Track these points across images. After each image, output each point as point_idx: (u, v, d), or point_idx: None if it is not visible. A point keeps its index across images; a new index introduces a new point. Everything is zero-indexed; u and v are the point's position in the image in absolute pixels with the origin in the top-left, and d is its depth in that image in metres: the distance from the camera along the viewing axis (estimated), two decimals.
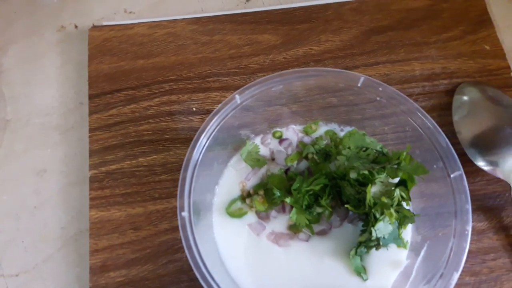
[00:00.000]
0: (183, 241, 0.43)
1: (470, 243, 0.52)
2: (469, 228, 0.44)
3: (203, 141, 0.46)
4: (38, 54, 0.64)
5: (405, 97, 0.49)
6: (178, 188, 0.43)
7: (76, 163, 0.58)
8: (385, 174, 0.47)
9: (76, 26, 0.66)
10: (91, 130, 0.58)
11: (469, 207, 0.44)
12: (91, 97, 0.60)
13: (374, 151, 0.51)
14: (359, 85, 0.50)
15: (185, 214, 0.42)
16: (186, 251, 0.42)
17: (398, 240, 0.48)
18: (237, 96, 0.46)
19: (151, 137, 0.58)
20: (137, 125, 0.58)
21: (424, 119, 0.48)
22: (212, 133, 0.46)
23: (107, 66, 0.61)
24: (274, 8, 0.66)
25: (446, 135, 0.48)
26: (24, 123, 0.61)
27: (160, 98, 0.60)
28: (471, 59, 0.63)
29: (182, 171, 0.45)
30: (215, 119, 0.46)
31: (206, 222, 0.50)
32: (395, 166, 0.47)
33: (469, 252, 0.52)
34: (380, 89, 0.49)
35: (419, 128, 0.49)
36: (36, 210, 0.57)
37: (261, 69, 0.62)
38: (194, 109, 0.59)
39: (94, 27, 0.64)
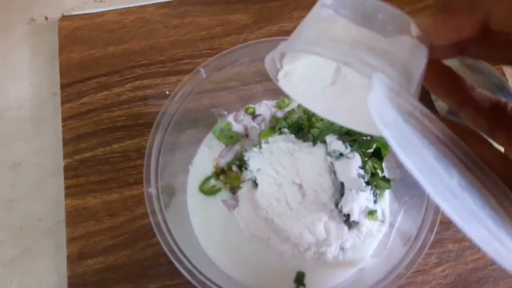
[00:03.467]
0: (153, 224, 0.42)
1: None
2: None
3: (169, 117, 0.45)
4: (9, 48, 0.63)
5: None
6: (144, 168, 0.42)
7: (50, 153, 0.57)
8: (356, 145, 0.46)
9: (46, 18, 0.65)
10: (64, 119, 0.57)
11: None
12: (63, 86, 0.59)
13: None
14: None
15: (152, 190, 0.41)
16: (157, 233, 0.42)
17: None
18: (201, 70, 0.45)
19: (124, 123, 0.57)
20: (110, 112, 0.57)
21: None
22: (177, 109, 0.45)
23: (78, 55, 0.60)
24: None
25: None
26: None
27: (132, 83, 0.59)
28: None
29: (146, 151, 0.44)
30: (179, 93, 0.45)
31: (180, 202, 0.49)
32: (368, 138, 0.47)
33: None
34: None
35: None
36: (12, 204, 0.56)
37: None
38: (167, 92, 0.58)
39: (64, 17, 0.63)
